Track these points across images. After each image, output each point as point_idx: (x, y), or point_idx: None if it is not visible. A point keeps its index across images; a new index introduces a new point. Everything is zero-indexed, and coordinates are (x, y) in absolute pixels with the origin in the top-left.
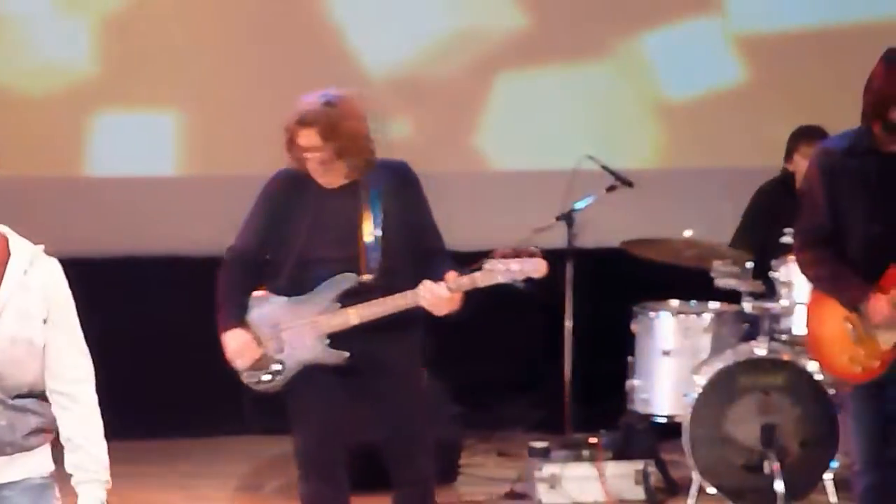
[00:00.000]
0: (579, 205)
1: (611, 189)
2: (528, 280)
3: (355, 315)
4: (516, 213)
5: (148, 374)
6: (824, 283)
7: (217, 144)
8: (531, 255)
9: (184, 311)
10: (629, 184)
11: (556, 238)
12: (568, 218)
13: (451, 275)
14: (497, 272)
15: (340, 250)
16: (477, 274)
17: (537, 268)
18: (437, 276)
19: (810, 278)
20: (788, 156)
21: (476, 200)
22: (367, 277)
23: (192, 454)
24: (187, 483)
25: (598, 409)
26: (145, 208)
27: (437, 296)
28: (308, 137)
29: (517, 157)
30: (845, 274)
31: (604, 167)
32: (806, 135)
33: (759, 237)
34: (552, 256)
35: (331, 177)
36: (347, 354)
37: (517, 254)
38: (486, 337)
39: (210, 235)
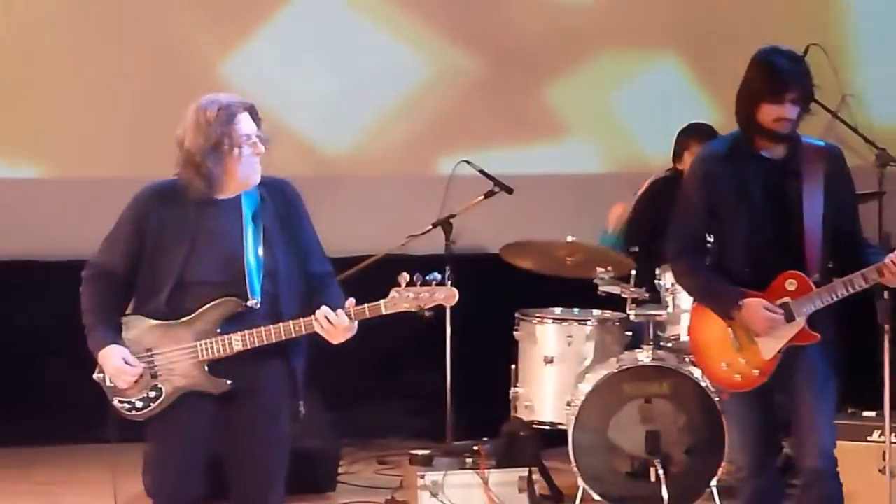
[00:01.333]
0: (457, 210)
1: (489, 194)
2: (436, 307)
3: (240, 341)
4: (393, 219)
5: (1, 381)
6: (698, 292)
7: (76, 145)
8: (441, 282)
9: (41, 317)
10: (508, 189)
11: (434, 244)
12: (445, 224)
13: (350, 302)
14: (403, 300)
15: (222, 273)
16: (381, 302)
17: (448, 297)
18: (333, 302)
19: (684, 287)
20: (677, 155)
21: (352, 206)
22: (252, 302)
23: (49, 462)
24: (43, 491)
25: (480, 416)
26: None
27: (337, 324)
28: (249, 122)
29: (394, 163)
30: (717, 283)
31: (482, 172)
32: (696, 133)
33: (644, 236)
34: (429, 262)
35: (232, 184)
36: (229, 382)
37: (425, 282)
38: (365, 343)
39: (65, 239)
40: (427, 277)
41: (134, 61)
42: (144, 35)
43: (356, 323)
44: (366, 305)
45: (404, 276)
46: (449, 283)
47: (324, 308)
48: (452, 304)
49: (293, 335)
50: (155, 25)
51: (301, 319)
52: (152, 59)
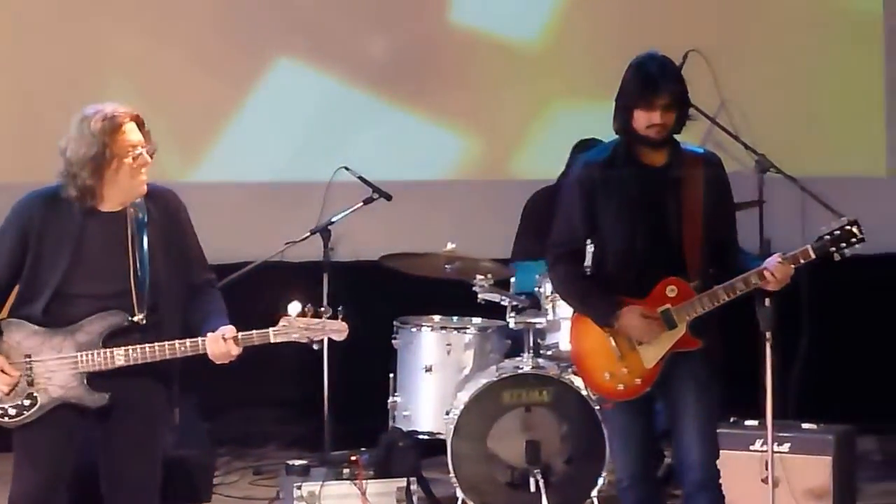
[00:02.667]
0: (336, 217)
1: (368, 201)
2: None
3: (122, 356)
4: (271, 226)
5: None
6: (576, 301)
7: None
8: (332, 315)
9: None
10: (387, 196)
11: (313, 251)
12: (324, 231)
13: (230, 330)
14: (294, 331)
15: (107, 286)
16: (271, 330)
17: (339, 331)
18: (215, 313)
19: (562, 296)
20: (568, 168)
21: (229, 212)
22: (139, 317)
23: None
24: None
25: (358, 425)
26: None
27: (225, 351)
28: (135, 132)
29: (271, 169)
30: (594, 291)
31: (360, 178)
32: (577, 147)
33: (531, 246)
34: (308, 270)
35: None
36: (107, 396)
37: (316, 314)
38: (243, 350)
39: None
40: (319, 309)
41: (22, 62)
42: (36, 37)
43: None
44: (254, 332)
45: (295, 305)
46: (340, 317)
47: (212, 335)
48: (342, 338)
49: (178, 355)
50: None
51: (188, 340)
52: (42, 60)
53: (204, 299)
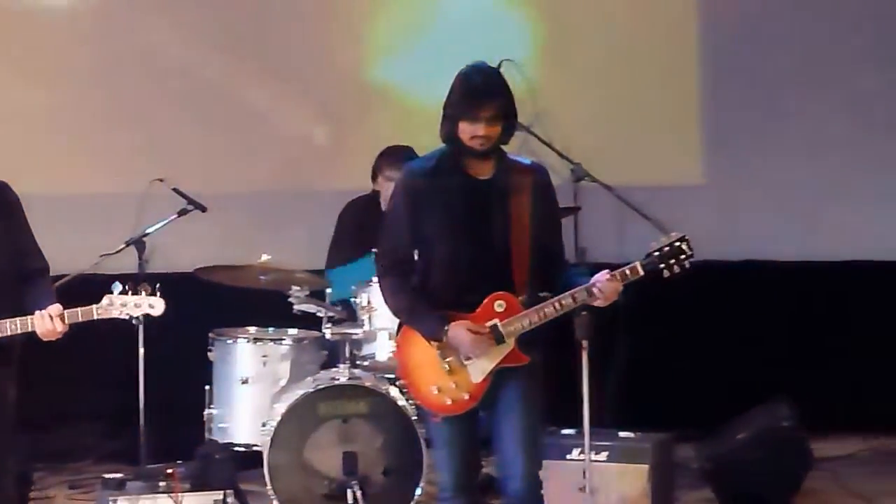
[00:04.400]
0: (150, 229)
1: (183, 213)
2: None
3: None
4: (84, 238)
5: None
6: (403, 313)
7: None
8: (151, 292)
9: None
10: (202, 207)
11: (128, 263)
12: (138, 242)
13: (56, 308)
14: (115, 308)
15: None
16: (93, 307)
17: (156, 306)
18: (44, 299)
19: (391, 308)
20: (374, 177)
21: (45, 225)
22: None
23: None
24: None
25: (175, 438)
26: None
27: (51, 328)
28: None
29: (84, 181)
30: (423, 304)
31: (175, 190)
32: (388, 156)
33: (346, 255)
34: (123, 282)
35: None
36: None
37: (136, 290)
38: (58, 361)
39: None
40: (139, 287)
41: None
42: None
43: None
44: (79, 309)
45: (117, 285)
46: (158, 294)
47: (41, 312)
48: (159, 313)
49: (8, 334)
50: None
51: (17, 319)
52: None
53: (35, 285)
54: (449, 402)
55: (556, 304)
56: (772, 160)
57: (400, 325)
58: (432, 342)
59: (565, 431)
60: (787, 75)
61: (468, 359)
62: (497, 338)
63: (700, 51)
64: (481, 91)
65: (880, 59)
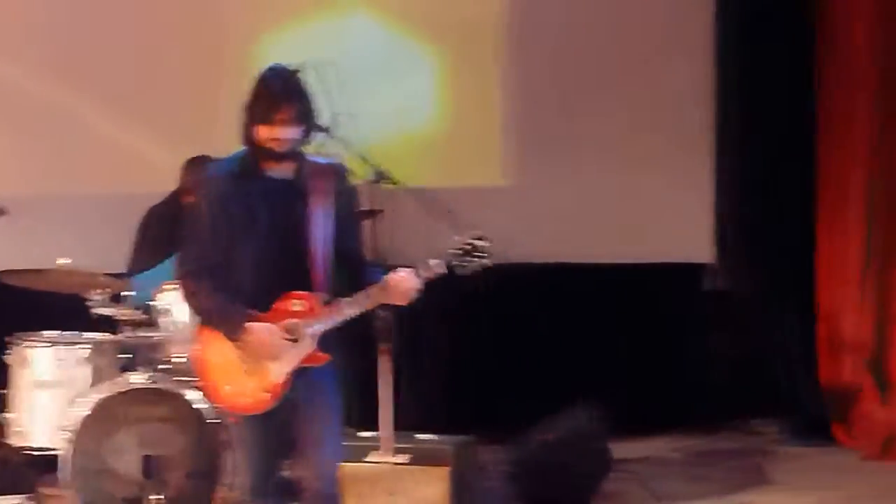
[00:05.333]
0: None
1: None
2: None
3: None
4: None
5: None
6: (206, 314)
7: None
8: None
9: None
10: (1, 210)
11: None
12: None
13: None
14: None
15: None
16: None
17: None
18: None
19: (193, 309)
20: (180, 184)
21: None
22: None
23: None
24: None
25: None
26: None
27: None
28: None
29: None
30: (224, 304)
31: None
32: (190, 164)
33: (148, 259)
34: None
35: None
36: None
37: None
38: None
39: None
40: None
41: None
42: None
43: None
44: None
45: None
46: None
47: None
48: None
49: None
50: None
51: None
52: None
53: None
54: (248, 402)
55: (354, 303)
56: (573, 162)
57: (200, 327)
58: (232, 342)
59: (365, 434)
60: (585, 77)
61: (267, 359)
62: (296, 337)
63: (503, 52)
64: (279, 94)
65: (666, 59)
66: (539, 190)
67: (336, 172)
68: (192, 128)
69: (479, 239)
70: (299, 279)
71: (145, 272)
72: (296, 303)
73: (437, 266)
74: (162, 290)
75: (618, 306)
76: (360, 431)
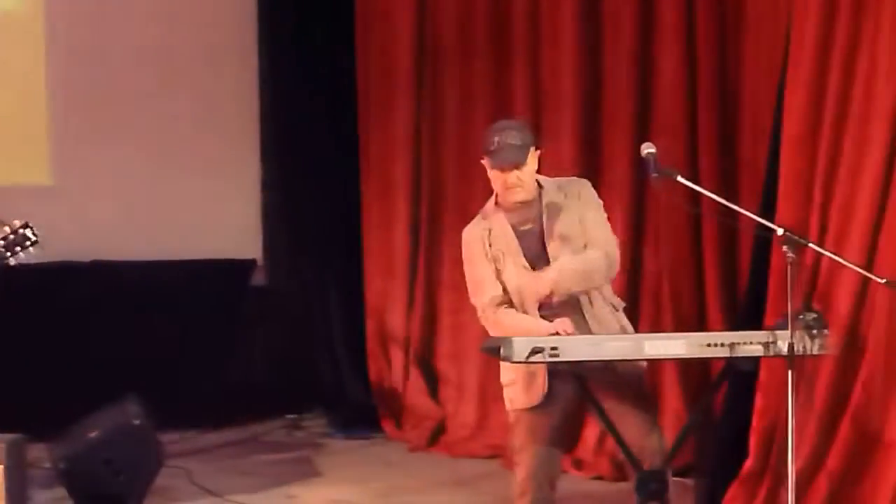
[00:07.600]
0: None
1: None
2: None
3: None
4: None
5: None
6: None
7: None
8: None
9: None
10: None
11: None
12: None
13: None
14: None
15: None
16: None
17: None
18: None
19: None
20: None
21: None
22: None
23: None
24: None
25: None
26: None
27: None
28: None
29: None
30: None
31: None
32: None
33: None
34: None
35: None
36: None
37: None
38: None
39: None
40: None
41: None
42: None
43: None
44: None
45: None
46: None
47: None
48: None
49: None
50: None
51: None
52: None
53: None
54: None
55: None
56: (123, 163)
57: None
58: None
59: None
60: (134, 80)
61: None
62: None
63: (48, 47)
64: None
65: (230, 61)
66: (87, 190)
67: None
68: None
69: (26, 227)
70: None
71: None
72: None
73: None
74: None
75: (168, 303)
76: None
